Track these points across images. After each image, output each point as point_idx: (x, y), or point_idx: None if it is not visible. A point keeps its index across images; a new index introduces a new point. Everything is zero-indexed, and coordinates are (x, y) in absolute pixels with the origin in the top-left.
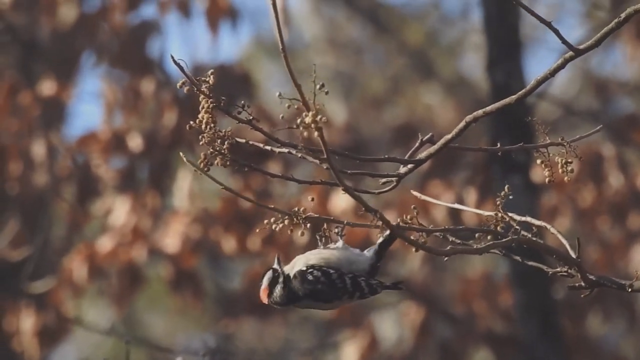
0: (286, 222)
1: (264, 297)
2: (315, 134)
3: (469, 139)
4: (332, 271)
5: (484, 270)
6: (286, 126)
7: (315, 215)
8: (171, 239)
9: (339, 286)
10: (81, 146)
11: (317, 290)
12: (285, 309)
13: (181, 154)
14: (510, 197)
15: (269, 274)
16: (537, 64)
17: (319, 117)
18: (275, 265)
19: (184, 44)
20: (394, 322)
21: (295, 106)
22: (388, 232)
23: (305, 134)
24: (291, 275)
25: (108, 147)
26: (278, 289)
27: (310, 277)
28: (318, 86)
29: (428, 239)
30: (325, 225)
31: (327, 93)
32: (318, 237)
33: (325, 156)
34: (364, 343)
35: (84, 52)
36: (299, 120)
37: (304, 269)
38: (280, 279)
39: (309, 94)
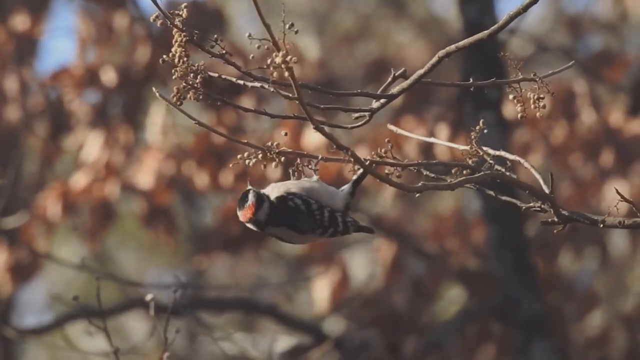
0: (259, 157)
1: (247, 214)
2: (286, 74)
3: (441, 75)
4: (312, 201)
5: (456, 206)
6: (257, 66)
7: (289, 150)
8: (144, 175)
9: (317, 217)
10: (54, 81)
11: (295, 218)
12: (257, 244)
13: (154, 89)
14: (485, 131)
15: (252, 192)
16: (509, 1)
17: (288, 57)
18: (250, 187)
19: None
20: (365, 259)
21: (266, 46)
22: (361, 170)
23: (275, 74)
24: (271, 198)
25: (81, 82)
26: (265, 207)
27: (290, 204)
28: (287, 25)
29: (402, 174)
30: (298, 160)
31: (296, 32)
32: (291, 172)
33: (296, 95)
34: (335, 279)
35: None
36: (269, 61)
37: (285, 194)
38: (266, 199)
39: (279, 33)
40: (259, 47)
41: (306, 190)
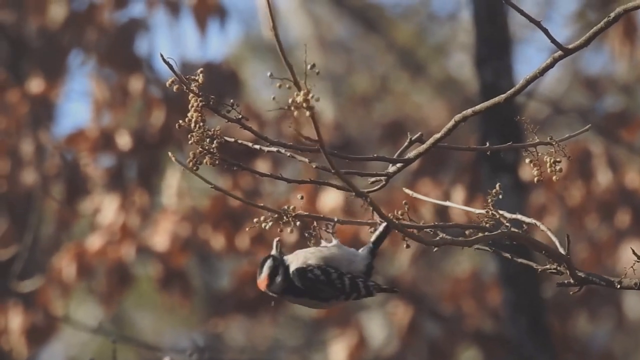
0: (275, 220)
1: (262, 286)
2: (307, 113)
3: (458, 138)
4: (332, 271)
5: (473, 269)
6: (272, 128)
7: (305, 214)
8: (160, 238)
9: (338, 286)
10: (69, 144)
11: (316, 289)
12: (274, 308)
13: (170, 154)
14: (501, 196)
15: (270, 262)
16: (526, 63)
17: (310, 95)
18: (274, 252)
19: (173, 43)
20: (382, 321)
21: (288, 85)
22: (380, 227)
23: (296, 114)
24: (290, 270)
25: (96, 145)
26: (278, 280)
27: (310, 275)
28: (309, 66)
29: (418, 237)
30: (315, 223)
31: (318, 73)
32: (307, 235)
33: (314, 144)
34: (352, 342)
35: (73, 51)
36: (290, 100)
37: (304, 266)
38: (281, 270)
39: (300, 75)
40: (279, 86)
41: (325, 260)
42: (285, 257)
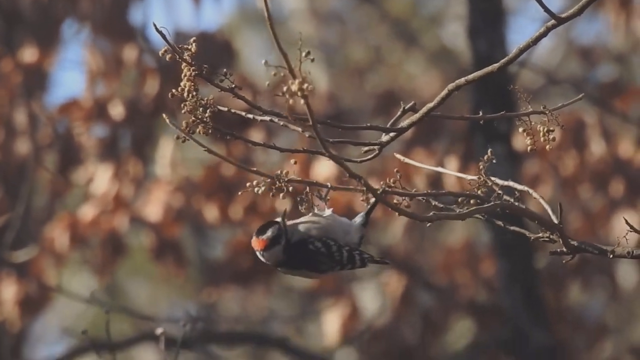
0: (268, 185)
1: (259, 245)
2: (302, 101)
3: (451, 108)
4: (332, 243)
5: (466, 239)
6: (266, 99)
7: (298, 179)
8: (153, 208)
9: (337, 259)
10: (63, 114)
11: (317, 260)
12: (268, 278)
13: (164, 115)
14: (494, 161)
15: (275, 229)
16: (520, 34)
17: (305, 84)
18: (280, 221)
19: (167, 12)
20: (375, 292)
21: (282, 74)
22: (372, 200)
23: (291, 101)
24: (291, 242)
25: (90, 115)
26: (277, 249)
27: (311, 247)
28: (304, 54)
29: (411, 204)
30: (307, 189)
31: (312, 60)
32: (299, 201)
33: (310, 123)
34: (345, 312)
35: (66, 20)
36: (284, 88)
37: (305, 238)
38: (283, 242)
39: (295, 61)
40: (275, 75)
41: (324, 231)
42: (287, 230)
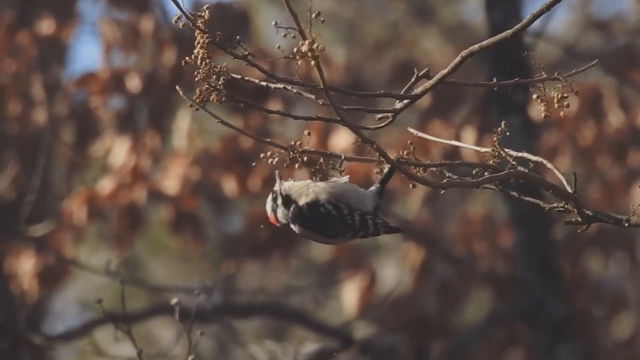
0: (282, 156)
1: (272, 221)
2: (312, 62)
3: (467, 79)
4: (343, 206)
5: (484, 211)
6: (282, 70)
7: (312, 150)
8: (171, 181)
9: (348, 222)
10: (80, 86)
11: (326, 224)
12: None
13: (177, 87)
14: (507, 133)
15: (269, 198)
16: (535, 6)
17: (315, 45)
18: (276, 185)
19: None
20: (394, 264)
21: (293, 35)
22: (386, 169)
23: (300, 62)
24: (300, 201)
25: (107, 87)
26: (280, 212)
27: (322, 210)
28: (314, 14)
29: (426, 176)
30: (322, 160)
31: (322, 22)
32: (313, 172)
33: (321, 86)
34: (363, 284)
35: None
36: (295, 50)
37: (316, 201)
38: (279, 201)
39: (305, 24)
40: (285, 36)
41: (337, 195)
42: (286, 185)
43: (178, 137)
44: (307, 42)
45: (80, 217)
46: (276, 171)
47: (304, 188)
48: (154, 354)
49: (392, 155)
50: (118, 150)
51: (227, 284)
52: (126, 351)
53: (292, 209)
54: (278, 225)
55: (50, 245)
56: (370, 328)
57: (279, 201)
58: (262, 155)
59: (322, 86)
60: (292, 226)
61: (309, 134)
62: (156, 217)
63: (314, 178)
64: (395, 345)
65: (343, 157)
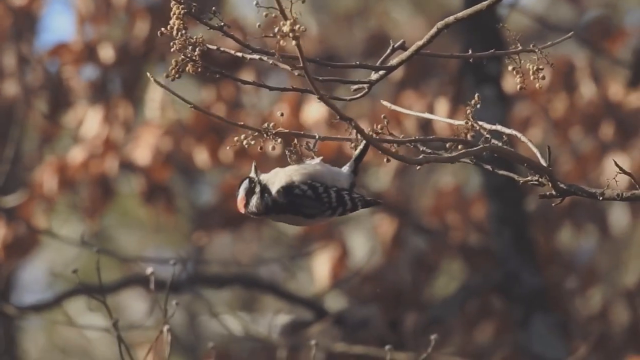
0: (256, 138)
1: (240, 207)
2: (293, 42)
3: (442, 51)
4: (318, 184)
5: (457, 182)
6: (261, 37)
7: (286, 131)
8: (142, 151)
9: (325, 200)
10: (53, 57)
11: (302, 205)
12: (258, 223)
13: (148, 74)
14: (478, 106)
15: (246, 183)
16: None
17: (297, 26)
18: (252, 174)
19: None
20: (365, 235)
21: (274, 15)
22: (361, 145)
23: (282, 42)
24: (273, 189)
25: (80, 57)
26: (255, 199)
27: (297, 191)
28: None
29: (400, 149)
30: (295, 140)
31: (303, 1)
32: (287, 152)
33: (301, 64)
34: (335, 255)
35: None
36: (276, 29)
37: (290, 183)
38: (257, 189)
39: (286, 2)
40: (266, 15)
41: (310, 176)
42: (262, 177)
43: (151, 107)
44: (288, 22)
45: (50, 187)
46: (253, 163)
47: (275, 177)
48: (127, 326)
49: (365, 128)
50: (90, 121)
51: (198, 255)
52: (96, 322)
53: (265, 197)
54: (244, 212)
55: (20, 214)
56: (342, 300)
57: (257, 189)
58: (235, 138)
59: (300, 61)
60: (265, 216)
61: (282, 114)
62: (128, 188)
63: (288, 159)
64: (369, 317)
65: (317, 137)
